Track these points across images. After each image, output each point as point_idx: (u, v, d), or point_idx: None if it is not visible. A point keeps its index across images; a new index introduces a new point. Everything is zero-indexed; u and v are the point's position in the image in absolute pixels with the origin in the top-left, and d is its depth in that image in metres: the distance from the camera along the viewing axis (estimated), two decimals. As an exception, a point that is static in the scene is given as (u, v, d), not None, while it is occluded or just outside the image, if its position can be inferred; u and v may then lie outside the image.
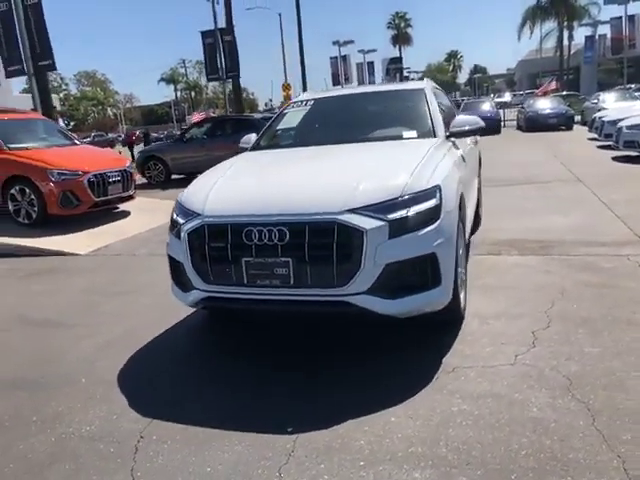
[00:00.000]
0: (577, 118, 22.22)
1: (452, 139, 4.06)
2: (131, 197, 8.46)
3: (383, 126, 4.26)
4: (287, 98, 40.10)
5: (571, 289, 3.95)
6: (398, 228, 2.83)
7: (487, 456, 2.20)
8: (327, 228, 2.79)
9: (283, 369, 3.11)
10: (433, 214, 2.94)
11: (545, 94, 31.21)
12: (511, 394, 2.63)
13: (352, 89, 5.09)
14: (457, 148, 4.03)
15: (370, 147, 3.89)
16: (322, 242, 2.81)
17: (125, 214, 8.48)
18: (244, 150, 4.46)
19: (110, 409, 2.82)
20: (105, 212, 8.14)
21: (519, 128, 23.68)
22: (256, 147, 4.42)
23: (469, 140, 4.92)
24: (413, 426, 2.44)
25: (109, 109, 76.67)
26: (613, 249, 4.85)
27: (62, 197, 7.35)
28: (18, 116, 8.58)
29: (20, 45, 13.22)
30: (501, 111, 26.01)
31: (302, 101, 4.81)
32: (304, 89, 37.28)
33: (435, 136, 3.93)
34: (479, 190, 6.23)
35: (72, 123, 67.55)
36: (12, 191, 7.49)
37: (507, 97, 48.50)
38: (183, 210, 3.26)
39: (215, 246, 3.02)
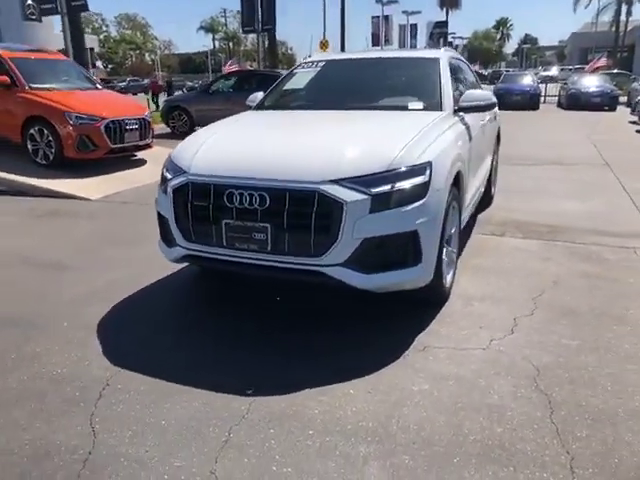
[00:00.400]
0: (623, 99, 21.23)
1: (461, 114, 3.92)
2: (148, 146, 8.49)
3: (391, 95, 4.13)
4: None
5: (566, 278, 3.86)
6: (380, 203, 2.78)
7: (435, 438, 2.21)
8: (307, 197, 2.76)
9: (261, 331, 3.14)
10: (419, 191, 2.87)
11: (595, 71, 29.77)
12: (475, 379, 2.61)
13: (367, 53, 4.92)
14: (465, 124, 3.89)
15: (371, 116, 3.77)
16: (301, 211, 2.77)
17: (141, 162, 8.53)
18: (249, 108, 4.41)
19: (84, 354, 2.90)
20: (121, 159, 8.20)
21: (559, 105, 22.76)
22: (260, 107, 4.35)
23: (486, 115, 4.74)
24: (370, 401, 2.45)
25: (147, 54, 76.37)
26: (622, 240, 4.69)
27: (79, 141, 7.42)
28: (44, 56, 8.60)
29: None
30: (542, 86, 24.94)
31: (313, 62, 4.68)
32: (342, 47, 36.43)
33: (441, 109, 3.78)
34: (495, 168, 6.07)
35: (110, 66, 67.67)
36: (31, 131, 7.58)
37: (554, 71, 46.54)
38: (172, 165, 3.25)
39: (197, 205, 3.02)
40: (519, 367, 2.70)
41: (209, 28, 72.75)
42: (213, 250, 3.05)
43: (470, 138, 3.97)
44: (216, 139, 3.40)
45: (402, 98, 4.00)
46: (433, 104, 3.85)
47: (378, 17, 38.78)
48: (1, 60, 7.77)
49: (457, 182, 3.46)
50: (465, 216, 3.99)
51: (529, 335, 3.03)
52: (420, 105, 3.87)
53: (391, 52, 4.99)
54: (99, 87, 8.87)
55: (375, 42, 39.47)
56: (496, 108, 5.30)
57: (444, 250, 3.27)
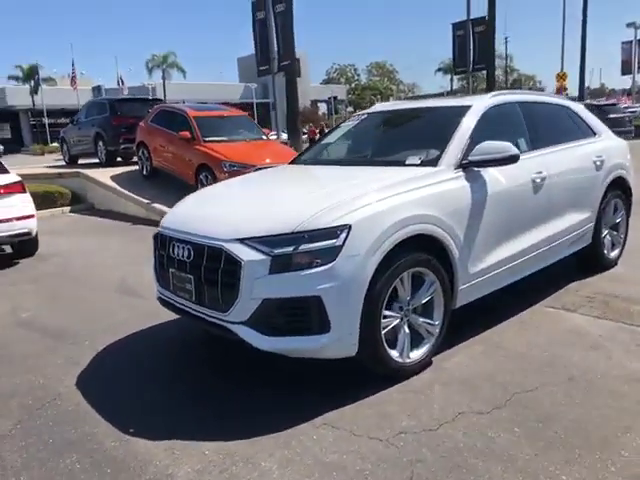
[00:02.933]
0: None
1: (476, 169, 3.47)
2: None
3: (402, 149, 3.86)
4: (561, 89, 36.32)
5: (590, 377, 3.03)
6: (281, 264, 2.72)
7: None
8: (216, 254, 2.87)
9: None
10: (326, 255, 2.71)
11: None
12: (352, 468, 2.32)
13: (411, 103, 4.61)
14: (471, 180, 3.42)
15: (356, 172, 3.63)
16: (213, 266, 2.89)
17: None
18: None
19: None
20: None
21: None
22: (293, 161, 4.53)
23: (530, 173, 3.94)
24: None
25: (391, 98, 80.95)
26: None
27: (230, 185, 8.56)
28: (222, 113, 10.20)
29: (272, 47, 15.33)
30: None
31: (359, 114, 4.68)
32: (581, 79, 33.18)
33: (437, 165, 3.42)
34: (620, 225, 5.02)
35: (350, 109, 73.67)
36: (201, 176, 9.03)
37: None
38: None
39: (159, 253, 3.37)
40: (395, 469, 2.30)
41: (447, 69, 73.82)
42: (169, 295, 3.34)
43: (484, 195, 3.46)
44: (195, 196, 3.73)
45: (407, 152, 3.71)
46: (430, 159, 3.50)
47: (630, 42, 34.23)
48: (187, 119, 9.48)
49: (431, 247, 3.11)
50: (476, 286, 3.46)
51: (453, 437, 2.52)
52: (417, 160, 3.55)
53: (431, 102, 4.58)
54: (264, 138, 10.05)
55: (626, 70, 34.93)
56: (606, 156, 4.53)
57: (398, 321, 3.05)
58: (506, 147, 3.43)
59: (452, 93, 67.70)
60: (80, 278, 5.92)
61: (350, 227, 2.76)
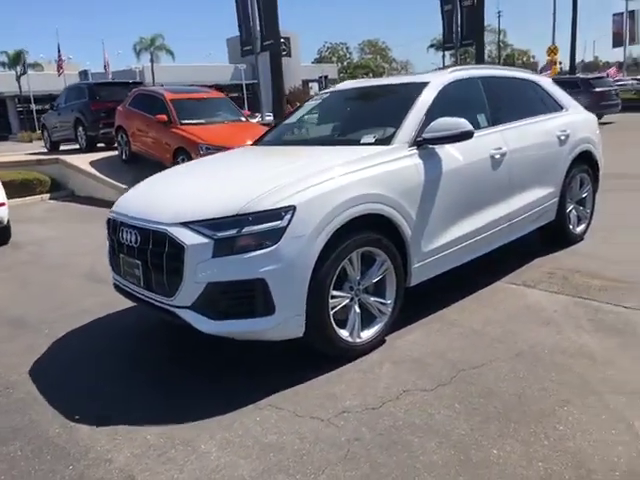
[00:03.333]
0: None
1: (432, 146, 3.44)
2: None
3: (360, 127, 3.83)
4: (552, 63, 35.97)
5: (540, 355, 3.05)
6: (224, 247, 2.71)
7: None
8: (161, 238, 2.85)
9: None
10: (270, 237, 2.70)
11: None
12: (290, 448, 2.35)
13: (372, 81, 4.53)
14: (427, 158, 3.40)
15: (311, 152, 3.61)
16: (158, 251, 2.88)
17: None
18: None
19: None
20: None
21: None
22: (256, 142, 4.48)
23: (488, 149, 3.88)
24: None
25: (383, 77, 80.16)
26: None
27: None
28: (198, 95, 10.08)
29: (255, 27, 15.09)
30: None
31: (322, 93, 4.64)
32: (572, 52, 32.89)
33: (390, 143, 3.39)
34: (587, 201, 5.02)
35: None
36: (178, 159, 8.94)
37: None
38: None
39: (111, 239, 3.36)
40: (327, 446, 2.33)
41: (439, 46, 73.06)
42: (120, 280, 3.34)
43: (439, 173, 3.45)
44: (147, 181, 3.70)
45: (364, 131, 3.68)
46: (385, 137, 3.48)
47: (621, 14, 33.83)
48: (164, 102, 9.37)
49: (378, 225, 3.10)
50: (429, 263, 3.46)
51: (394, 414, 2.54)
52: (372, 138, 3.52)
53: (387, 79, 4.52)
54: (243, 120, 9.96)
55: (617, 42, 34.61)
56: (571, 130, 4.50)
57: (348, 301, 3.07)
58: (460, 123, 3.40)
59: (442, 69, 67.10)
60: (53, 266, 5.90)
61: (295, 208, 2.75)
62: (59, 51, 43.43)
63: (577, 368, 2.85)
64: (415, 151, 3.40)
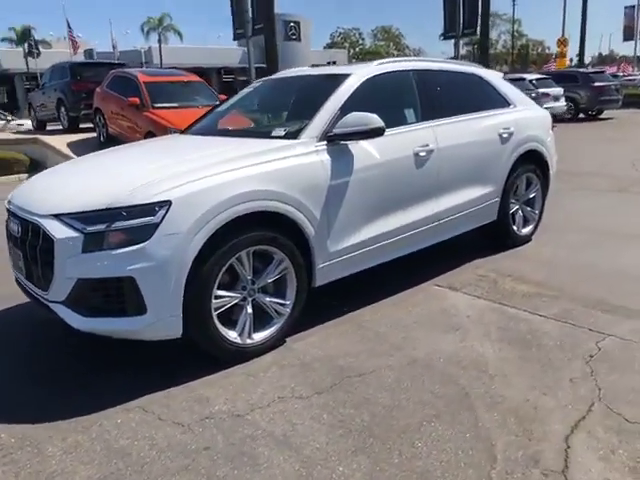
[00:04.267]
0: None
1: (341, 143, 3.30)
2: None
3: (279, 119, 3.71)
4: (561, 56, 35.28)
5: (428, 362, 2.93)
6: (94, 243, 2.60)
7: None
8: (36, 230, 2.76)
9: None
10: (141, 233, 2.59)
11: None
12: (136, 454, 2.26)
13: (298, 71, 4.37)
14: (335, 155, 3.26)
15: (216, 144, 3.48)
16: (34, 243, 2.79)
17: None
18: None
19: None
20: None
21: None
22: (184, 130, 4.36)
23: (412, 146, 3.70)
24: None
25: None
26: (630, 323, 3.30)
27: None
28: (174, 79, 9.93)
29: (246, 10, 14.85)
30: None
31: (256, 82, 4.51)
32: (581, 45, 32.20)
33: (297, 137, 3.26)
34: (536, 200, 4.87)
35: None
36: (149, 144, 8.85)
37: None
38: None
39: (5, 227, 3.26)
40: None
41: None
42: (16, 272, 3.25)
43: (349, 170, 3.31)
44: (49, 170, 3.60)
45: (280, 123, 3.56)
46: (295, 130, 3.35)
47: (632, 7, 32.96)
48: (138, 84, 9.24)
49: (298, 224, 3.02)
50: (335, 264, 3.34)
51: (256, 423, 2.44)
52: (282, 132, 3.40)
53: (312, 70, 4.35)
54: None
55: (628, 35, 33.83)
56: (515, 127, 4.35)
57: (237, 301, 2.98)
58: (370, 119, 3.25)
59: (456, 59, 66.15)
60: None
61: (170, 203, 2.64)
62: (69, 27, 43.13)
63: (463, 380, 2.73)
64: (324, 147, 3.26)
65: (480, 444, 2.25)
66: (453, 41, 24.16)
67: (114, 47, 43.39)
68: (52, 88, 12.39)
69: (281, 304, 3.14)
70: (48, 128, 14.01)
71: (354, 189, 3.35)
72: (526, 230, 4.89)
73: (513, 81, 14.96)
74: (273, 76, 4.53)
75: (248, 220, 2.89)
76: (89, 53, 40.06)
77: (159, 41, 49.36)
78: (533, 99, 16.58)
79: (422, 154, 3.75)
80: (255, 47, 47.55)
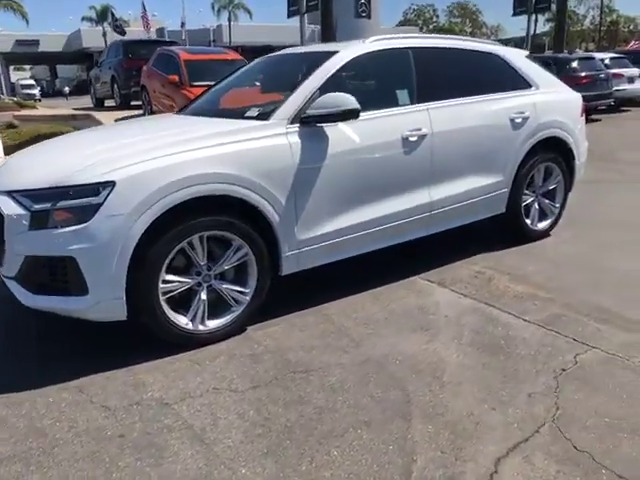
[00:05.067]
0: None
1: (317, 125, 3.12)
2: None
3: (262, 99, 3.56)
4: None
5: (386, 365, 2.74)
6: (40, 220, 2.60)
7: None
8: (-7, 206, 2.79)
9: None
10: (83, 213, 2.56)
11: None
12: (51, 435, 2.27)
13: (294, 50, 4.14)
14: (304, 138, 3.08)
15: (185, 124, 3.41)
16: (-6, 219, 2.83)
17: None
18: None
19: None
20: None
21: None
22: (180, 110, 4.31)
23: (401, 130, 3.44)
24: None
25: (468, 42, 75.88)
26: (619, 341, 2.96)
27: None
28: (215, 57, 9.93)
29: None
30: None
31: (256, 60, 4.40)
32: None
33: (268, 118, 3.11)
34: (557, 192, 4.49)
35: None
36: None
37: None
38: None
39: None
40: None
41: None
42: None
43: (322, 154, 3.13)
44: (33, 146, 3.64)
45: (253, 105, 3.40)
46: (267, 112, 3.19)
47: None
48: (178, 62, 9.33)
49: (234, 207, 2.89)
50: (301, 251, 3.18)
51: (178, 414, 2.38)
52: (256, 112, 3.25)
53: (319, 46, 4.12)
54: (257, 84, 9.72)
55: None
56: (532, 112, 4.04)
57: (189, 286, 2.90)
58: (343, 100, 3.05)
59: (534, 37, 62.51)
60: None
61: (114, 184, 2.58)
62: (143, 7, 44.60)
63: (412, 386, 2.53)
64: (295, 129, 3.09)
65: (400, 458, 2.07)
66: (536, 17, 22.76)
67: (182, 25, 44.37)
68: (107, 66, 12.81)
69: (240, 292, 3.04)
70: (106, 104, 14.53)
71: (328, 174, 3.17)
72: (543, 225, 4.50)
73: (582, 60, 13.92)
74: (273, 53, 4.38)
75: (203, 203, 2.80)
76: (160, 31, 41.18)
77: (229, 19, 50.08)
78: (602, 80, 15.45)
79: (413, 139, 3.49)
80: (320, 24, 46.55)
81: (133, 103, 12.59)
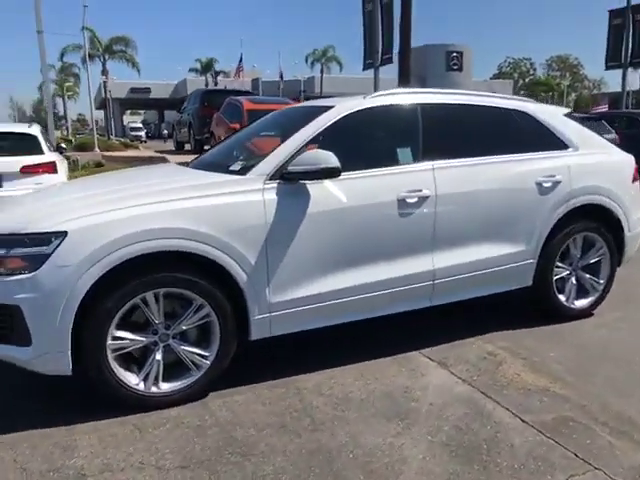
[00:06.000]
0: None
1: (301, 182, 2.92)
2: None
3: (251, 154, 3.45)
4: None
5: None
6: (-5, 267, 2.58)
7: None
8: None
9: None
10: (32, 262, 2.51)
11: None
12: None
13: (300, 104, 3.98)
14: (283, 195, 2.88)
15: (177, 175, 3.37)
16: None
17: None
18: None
19: None
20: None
21: None
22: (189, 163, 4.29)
23: (396, 191, 3.15)
24: None
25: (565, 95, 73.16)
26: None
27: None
28: (276, 107, 10.09)
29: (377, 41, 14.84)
30: None
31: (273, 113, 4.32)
32: None
33: (246, 174, 2.97)
34: (601, 266, 3.95)
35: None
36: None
37: None
38: None
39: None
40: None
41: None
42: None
43: (301, 214, 2.91)
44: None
45: (248, 158, 3.29)
46: (247, 166, 3.06)
47: None
48: (241, 110, 9.63)
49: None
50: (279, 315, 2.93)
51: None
52: (239, 166, 3.12)
53: (322, 101, 3.89)
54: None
55: None
56: (565, 175, 3.66)
57: (142, 345, 2.75)
58: (322, 158, 2.85)
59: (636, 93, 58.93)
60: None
61: (66, 234, 2.52)
62: (240, 60, 47.78)
63: (352, 491, 2.15)
64: (273, 185, 2.91)
65: None
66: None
67: (281, 76, 46.72)
68: (187, 113, 13.56)
69: (201, 355, 2.83)
70: (186, 148, 15.34)
71: (308, 235, 2.94)
72: (582, 303, 3.92)
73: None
74: (284, 108, 4.30)
75: (160, 258, 2.66)
76: (255, 81, 43.54)
77: (321, 71, 52.06)
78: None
79: (411, 200, 3.18)
80: (414, 77, 47.11)
81: (206, 147, 13.14)
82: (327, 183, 3.00)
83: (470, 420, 2.65)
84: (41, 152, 7.47)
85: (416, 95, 3.54)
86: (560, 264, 3.79)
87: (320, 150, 2.92)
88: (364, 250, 3.11)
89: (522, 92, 68.77)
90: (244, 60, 46.97)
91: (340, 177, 3.00)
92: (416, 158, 3.34)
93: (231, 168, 3.16)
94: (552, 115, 3.91)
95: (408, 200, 3.17)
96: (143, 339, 2.73)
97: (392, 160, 3.31)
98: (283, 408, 2.78)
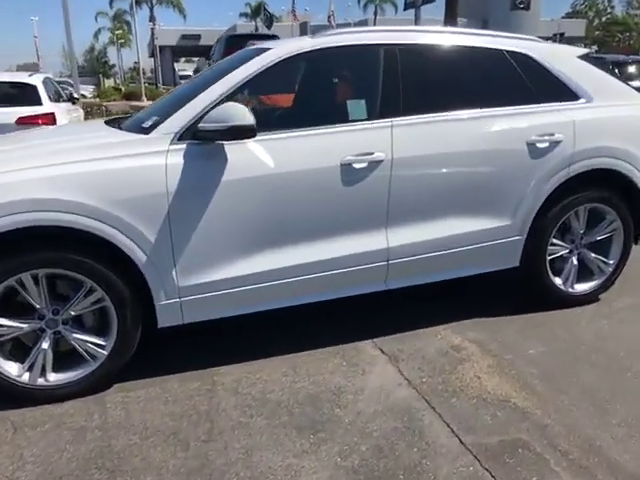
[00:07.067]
0: None
1: (217, 142, 2.42)
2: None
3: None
4: None
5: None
6: None
7: None
8: None
9: None
10: None
11: None
12: None
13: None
14: (191, 159, 2.39)
15: (87, 134, 2.93)
16: None
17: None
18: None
19: None
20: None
21: None
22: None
23: (340, 154, 2.57)
24: None
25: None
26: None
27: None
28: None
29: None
30: None
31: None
32: None
33: (149, 132, 2.48)
34: (613, 239, 3.26)
35: (594, 48, 61.93)
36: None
37: None
38: None
39: None
40: None
41: None
42: None
43: (214, 182, 2.42)
44: None
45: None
46: (155, 123, 2.55)
47: None
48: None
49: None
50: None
51: None
52: (150, 123, 2.61)
53: (271, 43, 3.22)
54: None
55: None
56: (567, 134, 2.98)
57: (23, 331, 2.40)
58: (234, 113, 2.32)
59: None
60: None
61: None
62: (293, 2, 45.99)
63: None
64: (182, 146, 2.42)
65: None
66: None
67: (329, 19, 44.70)
68: (213, 59, 13.02)
69: (96, 344, 2.47)
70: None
71: (224, 208, 2.46)
72: (583, 287, 3.28)
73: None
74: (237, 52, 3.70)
75: (39, 234, 2.27)
76: (304, 25, 41.94)
77: (375, 13, 49.50)
78: None
79: (358, 165, 2.61)
80: (470, 18, 44.23)
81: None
82: (251, 145, 2.48)
83: (397, 438, 2.18)
84: (40, 103, 7.25)
85: (380, 34, 2.89)
86: (557, 241, 3.14)
87: (233, 103, 2.38)
88: (297, 225, 2.60)
89: (597, 32, 62.98)
90: (296, 3, 45.31)
91: (268, 137, 2.50)
92: (372, 113, 2.73)
93: (144, 125, 2.68)
94: (562, 58, 3.15)
95: (355, 165, 2.61)
96: (24, 326, 2.39)
97: (340, 116, 2.71)
98: (183, 409, 2.40)
